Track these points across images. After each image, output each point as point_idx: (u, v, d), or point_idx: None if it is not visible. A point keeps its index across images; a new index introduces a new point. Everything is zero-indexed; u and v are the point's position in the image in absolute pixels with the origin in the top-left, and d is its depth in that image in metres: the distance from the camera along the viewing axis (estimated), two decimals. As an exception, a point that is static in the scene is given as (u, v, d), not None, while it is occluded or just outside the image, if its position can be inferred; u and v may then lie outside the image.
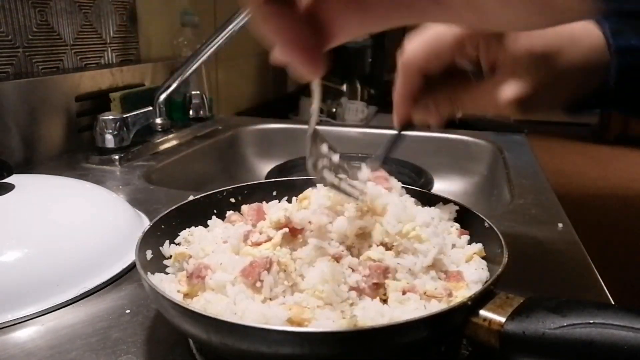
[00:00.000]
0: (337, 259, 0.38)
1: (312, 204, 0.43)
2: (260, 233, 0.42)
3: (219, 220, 0.48)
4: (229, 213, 0.49)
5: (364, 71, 2.16)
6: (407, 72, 0.43)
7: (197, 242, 0.43)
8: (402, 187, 0.51)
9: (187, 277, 0.39)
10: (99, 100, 0.98)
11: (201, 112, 1.17)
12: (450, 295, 0.37)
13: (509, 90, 0.39)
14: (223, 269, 0.38)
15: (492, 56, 0.40)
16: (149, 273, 0.38)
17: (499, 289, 0.34)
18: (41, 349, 0.40)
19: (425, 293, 0.36)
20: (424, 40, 0.42)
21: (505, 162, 0.91)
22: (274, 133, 1.20)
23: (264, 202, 0.49)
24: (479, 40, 0.41)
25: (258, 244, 0.41)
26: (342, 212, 0.42)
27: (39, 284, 0.45)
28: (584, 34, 0.40)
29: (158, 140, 1.00)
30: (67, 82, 0.92)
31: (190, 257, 0.41)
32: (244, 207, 0.47)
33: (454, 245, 0.43)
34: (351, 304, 0.35)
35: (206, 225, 0.47)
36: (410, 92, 0.45)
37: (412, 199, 0.46)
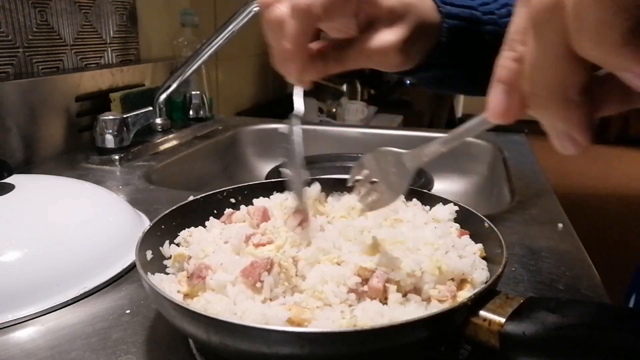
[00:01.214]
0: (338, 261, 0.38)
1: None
2: (263, 234, 0.42)
3: (217, 221, 0.48)
4: (227, 211, 0.49)
5: (364, 71, 2.16)
6: (307, 19, 0.40)
7: (196, 242, 0.43)
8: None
9: (188, 277, 0.39)
10: (99, 100, 0.98)
11: (201, 112, 1.17)
12: (454, 297, 0.37)
13: (390, 34, 0.44)
14: (223, 269, 0.38)
15: (370, 10, 0.44)
16: (149, 273, 0.38)
17: (499, 289, 0.34)
18: (41, 349, 0.40)
19: (429, 298, 0.36)
20: None
21: (505, 162, 0.91)
22: (274, 133, 1.20)
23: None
24: None
25: (261, 245, 0.41)
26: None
27: (39, 284, 0.45)
28: None
29: (158, 140, 1.00)
30: (67, 82, 0.92)
31: (190, 257, 0.41)
32: (251, 208, 0.47)
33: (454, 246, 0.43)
34: (350, 305, 0.35)
35: (206, 226, 0.47)
36: (307, 41, 0.42)
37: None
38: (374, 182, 0.40)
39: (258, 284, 0.36)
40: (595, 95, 0.25)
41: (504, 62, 0.28)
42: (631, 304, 0.80)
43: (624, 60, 0.21)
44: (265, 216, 0.46)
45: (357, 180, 0.42)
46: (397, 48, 0.44)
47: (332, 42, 0.46)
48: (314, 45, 0.45)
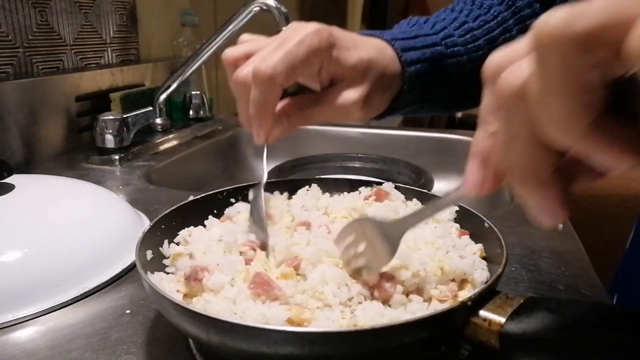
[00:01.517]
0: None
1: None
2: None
3: (216, 220, 0.47)
4: (227, 211, 0.49)
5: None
6: (271, 86, 0.43)
7: (195, 242, 0.43)
8: (401, 186, 0.51)
9: (185, 279, 0.39)
10: (99, 100, 0.98)
11: (201, 112, 1.17)
12: (455, 297, 0.37)
13: (352, 93, 0.46)
14: (220, 270, 0.38)
15: (332, 70, 0.46)
16: (148, 273, 0.38)
17: (499, 289, 0.34)
18: (41, 349, 0.40)
19: (431, 298, 0.36)
20: (283, 55, 0.42)
21: (505, 162, 0.91)
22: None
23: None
24: (323, 56, 0.45)
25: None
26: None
27: (39, 284, 0.45)
28: (386, 47, 0.50)
29: (158, 140, 1.00)
30: (67, 82, 0.92)
31: (187, 257, 0.41)
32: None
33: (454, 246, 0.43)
34: (350, 305, 0.35)
35: (205, 226, 0.47)
36: (274, 105, 0.45)
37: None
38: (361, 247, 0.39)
39: (266, 295, 0.35)
40: (569, 170, 0.26)
41: (478, 138, 0.29)
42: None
43: (588, 148, 0.22)
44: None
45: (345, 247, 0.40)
46: (359, 105, 0.46)
47: (295, 101, 0.47)
48: (278, 105, 0.46)
